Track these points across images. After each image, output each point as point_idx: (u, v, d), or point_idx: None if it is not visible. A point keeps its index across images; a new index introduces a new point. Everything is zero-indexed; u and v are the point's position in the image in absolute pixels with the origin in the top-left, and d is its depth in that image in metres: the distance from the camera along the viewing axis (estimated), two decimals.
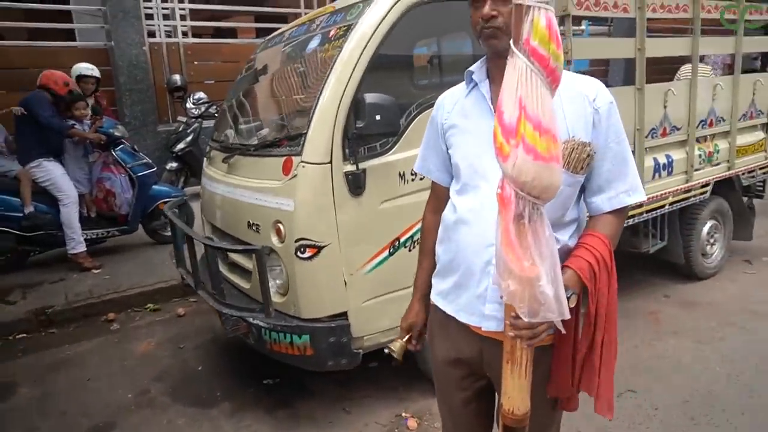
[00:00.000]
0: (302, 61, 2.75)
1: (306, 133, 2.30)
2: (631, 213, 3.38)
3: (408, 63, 2.73)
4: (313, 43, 2.65)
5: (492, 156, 1.25)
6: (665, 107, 3.43)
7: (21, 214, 4.25)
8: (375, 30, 2.37)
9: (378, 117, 2.23)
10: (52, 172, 4.34)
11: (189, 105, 6.22)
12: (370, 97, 2.25)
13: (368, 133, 2.27)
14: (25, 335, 3.79)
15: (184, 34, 6.96)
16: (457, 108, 1.45)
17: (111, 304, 4.12)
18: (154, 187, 4.92)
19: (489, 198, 1.28)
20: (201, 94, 6.29)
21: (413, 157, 1.66)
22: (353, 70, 2.32)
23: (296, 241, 2.29)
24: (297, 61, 2.82)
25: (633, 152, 3.34)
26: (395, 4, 2.41)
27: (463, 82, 1.45)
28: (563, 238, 1.35)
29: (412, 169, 1.81)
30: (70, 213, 4.40)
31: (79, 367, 3.32)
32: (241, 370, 3.17)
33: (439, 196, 1.55)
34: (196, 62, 6.87)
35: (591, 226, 1.40)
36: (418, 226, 1.75)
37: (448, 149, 1.47)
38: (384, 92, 2.36)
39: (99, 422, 2.75)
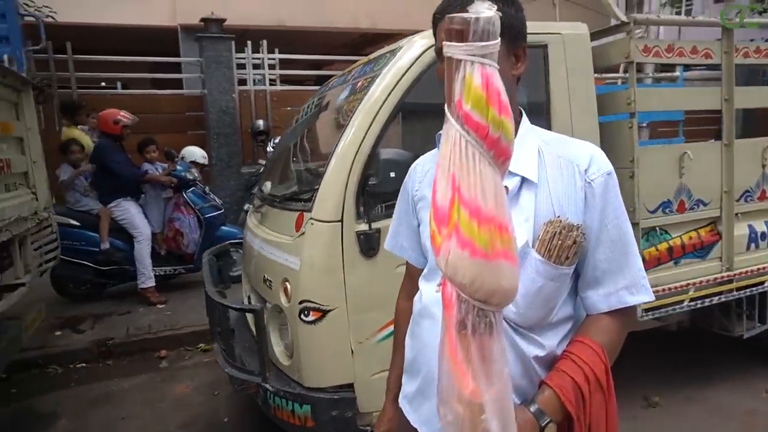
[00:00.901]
0: (331, 112, 2.68)
1: (317, 188, 2.18)
2: (718, 289, 2.85)
3: (433, 117, 2.54)
4: (343, 94, 2.56)
5: None
6: (764, 166, 2.90)
7: (98, 249, 4.55)
8: (397, 82, 2.23)
9: (393, 174, 2.06)
10: (128, 211, 4.63)
11: (269, 148, 6.45)
12: (384, 153, 2.09)
13: (382, 190, 2.10)
14: (84, 365, 3.98)
15: (272, 81, 7.31)
16: (428, 177, 1.24)
17: (165, 341, 4.23)
18: (222, 228, 5.08)
19: None
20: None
21: None
22: (371, 122, 2.18)
23: (300, 303, 2.15)
24: (328, 112, 2.75)
25: (719, 217, 2.91)
26: (421, 55, 2.26)
27: (436, 148, 1.24)
28: (549, 344, 1.08)
29: None
30: (143, 250, 4.65)
31: (118, 404, 3.39)
32: (266, 428, 3.04)
33: (413, 279, 1.34)
34: (281, 108, 7.17)
35: (583, 329, 1.12)
36: None
37: (419, 225, 1.27)
38: (405, 147, 2.19)
39: None
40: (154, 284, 4.76)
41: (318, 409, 2.18)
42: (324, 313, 2.15)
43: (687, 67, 5.24)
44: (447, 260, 0.85)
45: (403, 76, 2.23)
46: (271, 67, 7.28)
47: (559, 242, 1.04)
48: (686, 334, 3.51)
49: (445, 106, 0.86)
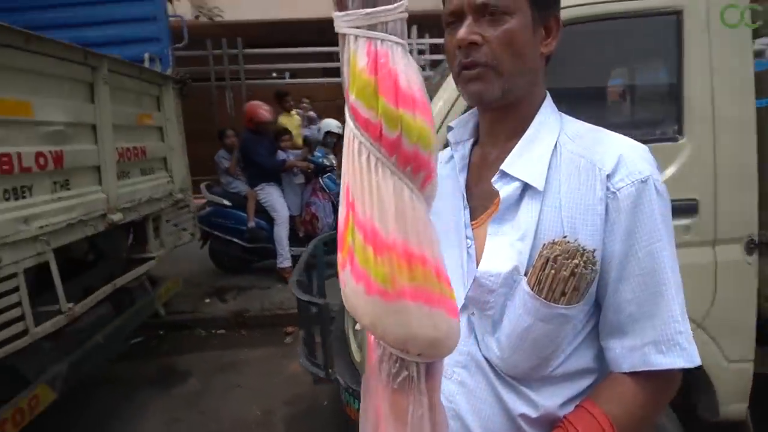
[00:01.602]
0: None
1: None
2: None
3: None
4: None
5: (456, 253, 0.86)
6: None
7: (245, 228, 5.00)
8: None
9: None
10: (270, 195, 5.00)
11: None
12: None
13: None
14: (223, 331, 4.42)
15: (423, 67, 7.26)
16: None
17: (293, 318, 4.49)
18: None
19: None
20: None
21: None
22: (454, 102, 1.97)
23: None
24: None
25: None
26: None
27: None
28: (546, 404, 0.83)
29: None
30: (281, 231, 4.99)
31: (239, 372, 3.68)
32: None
33: None
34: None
35: (596, 391, 0.85)
36: None
37: None
38: None
39: (221, 430, 2.98)
40: (290, 264, 5.07)
41: None
42: None
43: None
44: (345, 294, 0.67)
45: None
46: (421, 52, 7.22)
47: (552, 272, 0.78)
48: None
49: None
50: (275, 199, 5.00)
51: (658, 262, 0.78)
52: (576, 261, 0.77)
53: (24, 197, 1.92)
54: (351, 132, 0.64)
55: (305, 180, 5.28)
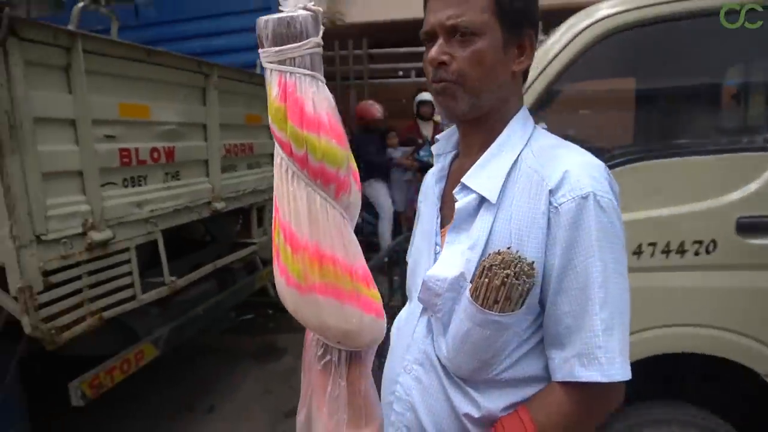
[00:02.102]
0: None
1: None
2: None
3: (601, 101, 2.08)
4: None
5: (426, 257, 0.96)
6: None
7: None
8: (552, 59, 1.93)
9: None
10: (377, 191, 5.22)
11: None
12: None
13: None
14: None
15: None
16: (424, 186, 1.12)
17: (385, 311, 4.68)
18: None
19: (414, 314, 0.97)
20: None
21: None
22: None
23: None
24: None
25: None
26: (585, 28, 1.88)
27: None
28: (489, 405, 0.88)
29: None
30: (385, 226, 5.19)
31: None
32: None
33: None
34: None
35: (531, 399, 0.89)
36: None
37: None
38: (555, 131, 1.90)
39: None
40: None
41: None
42: None
43: None
44: (276, 283, 0.79)
45: (555, 56, 1.92)
46: None
47: (486, 280, 0.83)
48: None
49: None
50: (381, 195, 5.21)
51: (589, 277, 0.78)
52: (508, 271, 0.80)
53: (139, 185, 2.31)
54: (275, 149, 0.76)
55: (413, 177, 5.42)
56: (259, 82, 3.43)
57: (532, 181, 0.84)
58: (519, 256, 0.81)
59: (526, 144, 0.90)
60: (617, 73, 2.20)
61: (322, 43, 0.72)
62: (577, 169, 0.82)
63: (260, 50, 0.73)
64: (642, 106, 2.03)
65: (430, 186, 1.04)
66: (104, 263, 2.09)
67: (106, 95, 2.11)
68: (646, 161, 1.77)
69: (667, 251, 1.74)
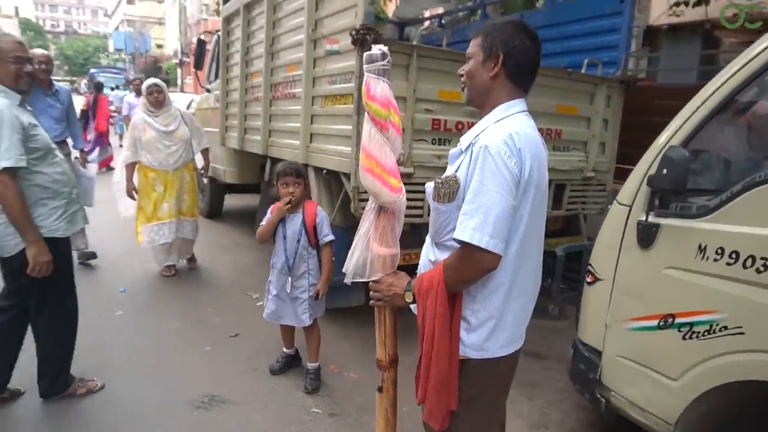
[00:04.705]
0: None
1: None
2: None
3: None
4: None
5: None
6: None
7: None
8: (737, 71, 2.01)
9: (665, 171, 2.07)
10: None
11: None
12: (669, 149, 2.09)
13: (654, 185, 2.13)
14: None
15: None
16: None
17: None
18: None
19: None
20: None
21: (732, 233, 1.90)
22: (690, 116, 2.14)
23: (588, 264, 2.54)
24: None
25: None
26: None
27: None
28: (439, 257, 1.61)
29: (720, 247, 1.93)
30: None
31: None
32: None
33: None
34: None
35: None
36: (707, 317, 1.98)
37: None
38: (725, 147, 2.04)
39: None
40: None
41: (576, 355, 2.58)
42: (596, 279, 2.46)
43: None
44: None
45: (746, 64, 1.98)
46: None
47: (438, 186, 1.59)
48: None
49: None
50: None
51: (474, 187, 1.43)
52: (439, 181, 1.55)
53: (443, 145, 3.46)
54: (366, 117, 1.71)
55: None
56: (580, 79, 4.02)
57: (478, 140, 1.52)
58: (453, 175, 1.52)
59: (496, 122, 1.54)
60: None
61: (389, 65, 1.63)
62: (489, 134, 1.46)
63: (364, 66, 1.69)
64: None
65: None
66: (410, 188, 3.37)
67: (429, 83, 3.32)
68: None
69: None
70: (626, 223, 2.31)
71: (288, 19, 4.34)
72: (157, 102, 4.63)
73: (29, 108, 2.69)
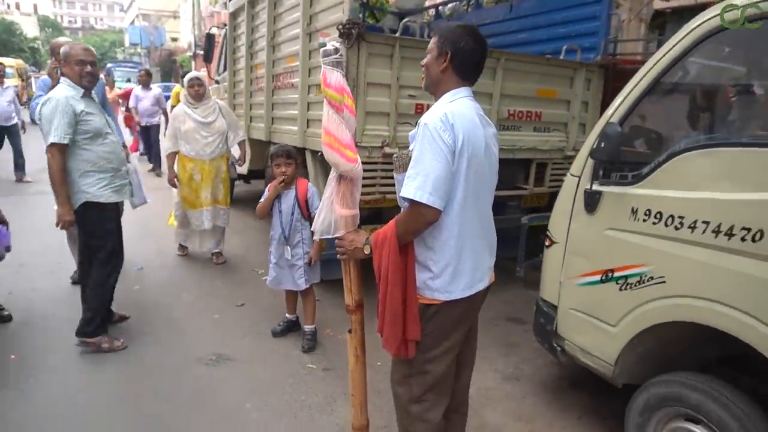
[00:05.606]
0: None
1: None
2: None
3: (695, 97, 2.15)
4: None
5: None
6: None
7: None
8: (663, 55, 2.29)
9: (602, 144, 2.36)
10: None
11: None
12: (605, 125, 2.38)
13: (595, 156, 2.43)
14: None
15: None
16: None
17: None
18: None
19: None
20: None
21: (656, 197, 2.18)
22: (630, 91, 2.42)
23: (546, 229, 2.86)
24: None
25: None
26: (693, 29, 2.16)
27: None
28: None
29: (648, 209, 2.23)
30: None
31: None
32: None
33: None
34: None
35: None
36: (638, 270, 2.28)
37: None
38: (653, 123, 2.32)
39: None
40: None
41: (538, 312, 2.90)
42: (552, 243, 2.77)
43: None
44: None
45: (670, 49, 2.26)
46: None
47: (395, 159, 1.93)
48: None
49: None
50: None
51: (421, 155, 1.73)
52: (397, 155, 1.88)
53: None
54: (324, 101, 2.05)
55: None
56: (558, 64, 4.29)
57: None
58: (408, 150, 1.85)
59: (443, 104, 1.87)
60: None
61: (342, 57, 1.95)
62: (429, 114, 1.78)
63: (321, 59, 2.02)
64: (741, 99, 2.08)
65: None
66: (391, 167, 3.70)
67: (412, 71, 3.63)
68: (722, 148, 2.03)
69: (716, 231, 2.00)
70: (576, 192, 2.62)
71: (287, 14, 4.68)
72: (197, 95, 4.87)
73: (95, 99, 3.27)
